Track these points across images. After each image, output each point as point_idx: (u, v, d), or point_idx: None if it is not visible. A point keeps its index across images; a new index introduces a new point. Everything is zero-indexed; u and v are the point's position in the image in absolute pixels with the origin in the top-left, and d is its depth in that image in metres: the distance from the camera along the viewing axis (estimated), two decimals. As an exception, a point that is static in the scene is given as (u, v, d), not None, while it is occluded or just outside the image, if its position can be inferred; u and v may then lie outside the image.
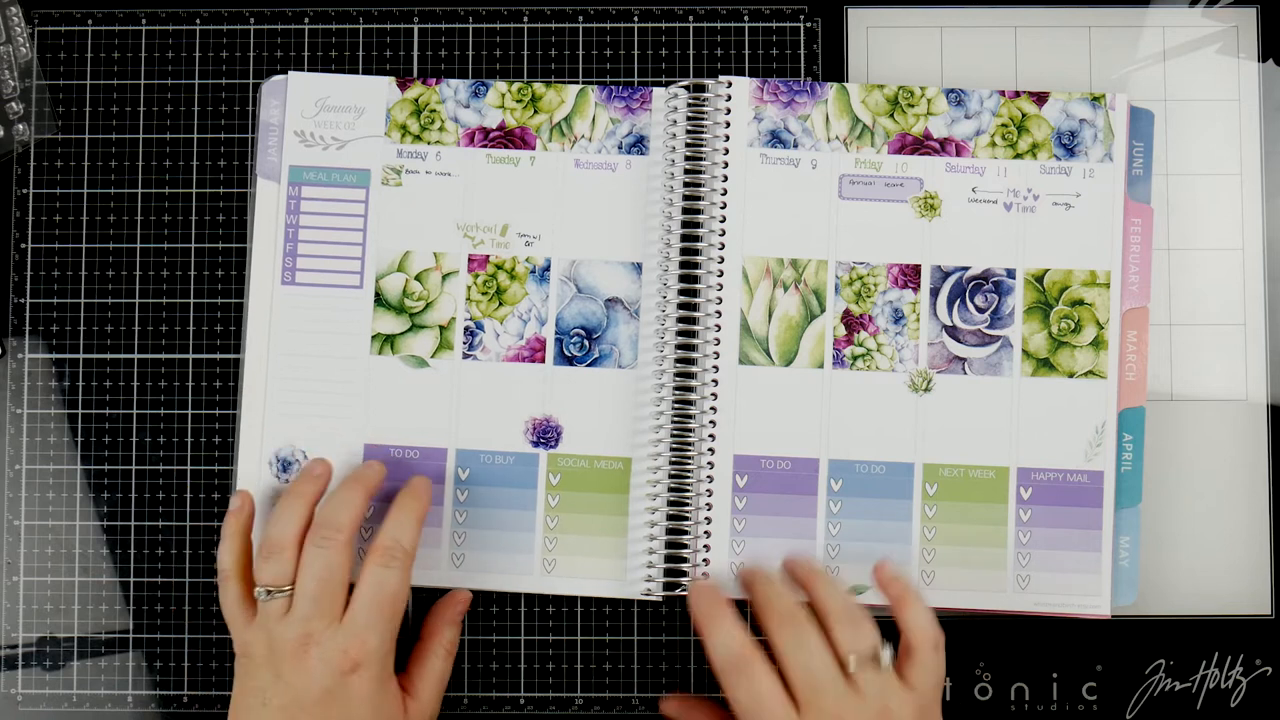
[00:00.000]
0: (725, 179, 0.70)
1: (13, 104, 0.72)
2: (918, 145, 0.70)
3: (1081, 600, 0.68)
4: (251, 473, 0.70)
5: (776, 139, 0.70)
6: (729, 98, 0.70)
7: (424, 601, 0.70)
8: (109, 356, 0.71)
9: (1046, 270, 0.70)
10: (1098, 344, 0.69)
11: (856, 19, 0.72)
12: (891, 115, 0.70)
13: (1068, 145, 0.70)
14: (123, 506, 0.71)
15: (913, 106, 0.70)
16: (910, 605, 0.63)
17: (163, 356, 0.71)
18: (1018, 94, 0.70)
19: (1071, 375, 0.69)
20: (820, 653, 0.61)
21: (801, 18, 0.72)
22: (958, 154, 0.70)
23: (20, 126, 0.72)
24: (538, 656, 0.70)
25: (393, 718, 0.64)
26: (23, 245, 0.71)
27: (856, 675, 0.61)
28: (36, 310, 0.71)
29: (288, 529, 0.64)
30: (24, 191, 0.72)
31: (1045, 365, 0.69)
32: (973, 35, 0.72)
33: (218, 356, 0.71)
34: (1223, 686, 0.69)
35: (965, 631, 0.70)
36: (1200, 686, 0.69)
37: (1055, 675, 0.69)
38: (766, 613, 0.63)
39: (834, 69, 0.72)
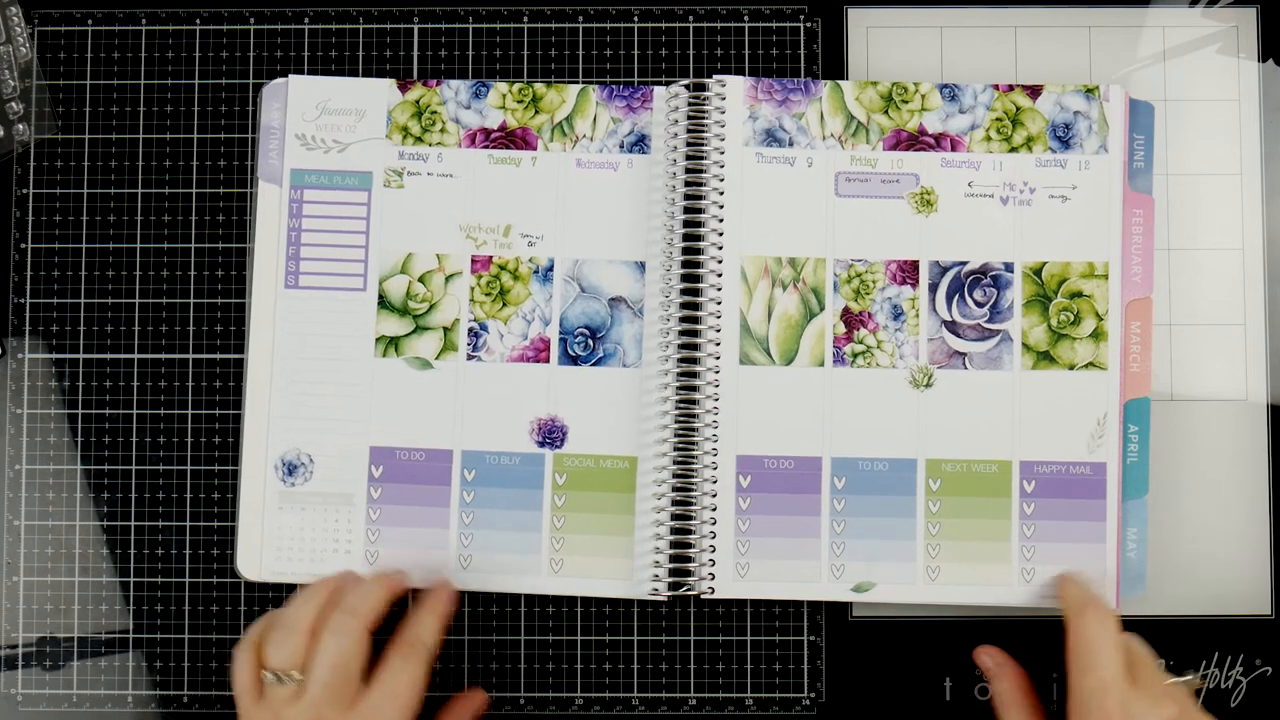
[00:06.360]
0: (722, 179, 0.70)
1: (13, 104, 0.71)
2: (913, 141, 0.70)
3: None
4: (256, 478, 0.70)
5: (772, 138, 0.70)
6: (724, 97, 0.70)
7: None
8: (109, 356, 0.71)
9: (1045, 263, 0.70)
10: (1097, 335, 0.69)
11: (856, 19, 0.72)
12: (886, 112, 0.70)
13: (1062, 138, 0.70)
14: (123, 506, 0.70)
15: (907, 103, 0.70)
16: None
17: (163, 356, 0.71)
18: (1011, 87, 0.70)
19: (1072, 367, 0.69)
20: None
21: (801, 18, 0.72)
22: (953, 149, 0.70)
23: (20, 126, 0.71)
24: (538, 656, 0.70)
25: None
26: (23, 245, 0.71)
27: None
28: (36, 310, 0.71)
29: (306, 612, 0.62)
30: (24, 191, 0.71)
31: (1045, 358, 0.69)
32: (972, 35, 0.72)
33: (218, 357, 0.71)
34: (1223, 686, 0.70)
35: (966, 631, 0.70)
36: (1200, 686, 0.70)
37: (1055, 675, 0.70)
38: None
39: (834, 69, 0.72)
